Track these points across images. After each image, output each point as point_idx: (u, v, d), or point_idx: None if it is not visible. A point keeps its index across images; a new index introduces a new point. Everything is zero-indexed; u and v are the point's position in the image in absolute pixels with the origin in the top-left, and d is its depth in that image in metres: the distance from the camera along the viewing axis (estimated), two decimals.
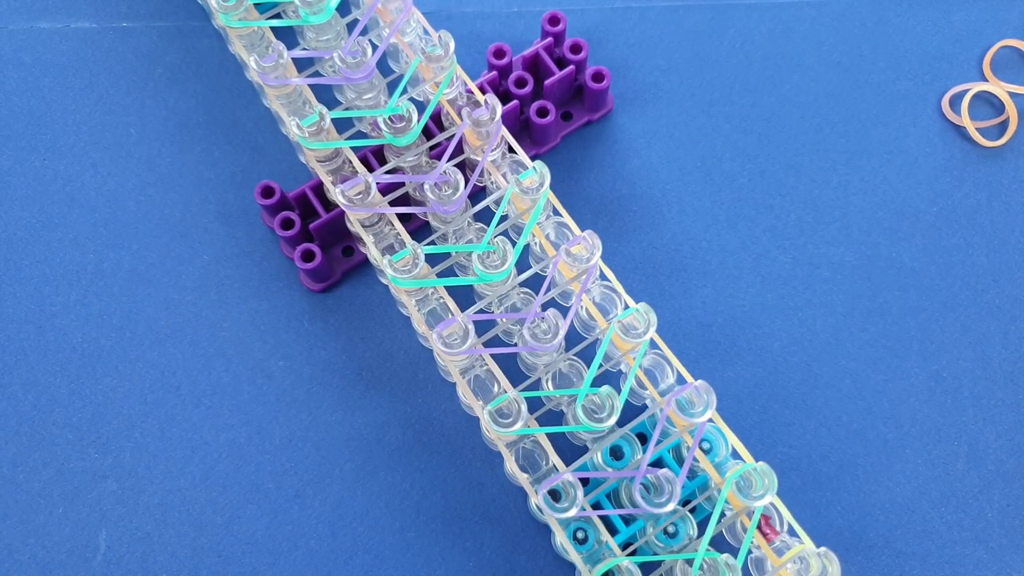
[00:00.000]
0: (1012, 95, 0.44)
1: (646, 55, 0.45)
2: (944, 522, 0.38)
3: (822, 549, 0.32)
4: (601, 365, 0.33)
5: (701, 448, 0.35)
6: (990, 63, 0.45)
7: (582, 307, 0.35)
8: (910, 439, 0.39)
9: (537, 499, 0.32)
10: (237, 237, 0.42)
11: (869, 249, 0.42)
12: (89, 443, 0.39)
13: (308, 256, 0.39)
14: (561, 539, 0.33)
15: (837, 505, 0.38)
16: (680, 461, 0.35)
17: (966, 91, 0.44)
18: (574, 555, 0.33)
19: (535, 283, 0.38)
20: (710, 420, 0.34)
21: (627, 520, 0.34)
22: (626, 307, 0.35)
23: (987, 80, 0.44)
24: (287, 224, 0.39)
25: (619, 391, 0.34)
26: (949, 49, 0.45)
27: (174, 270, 0.41)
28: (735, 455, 0.35)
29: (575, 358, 0.35)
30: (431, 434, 0.39)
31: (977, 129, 0.44)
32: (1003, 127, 0.44)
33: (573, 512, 0.32)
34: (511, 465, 0.34)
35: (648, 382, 0.35)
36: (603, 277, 0.36)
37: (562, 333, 0.33)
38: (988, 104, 0.44)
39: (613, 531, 0.34)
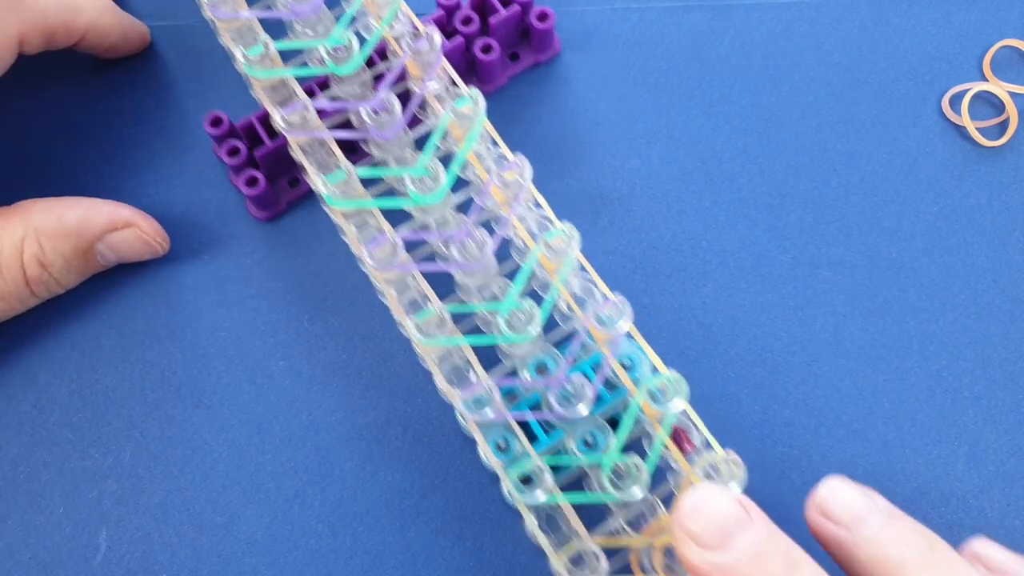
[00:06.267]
0: (1012, 95, 0.44)
1: (646, 55, 0.45)
2: (944, 522, 0.38)
3: (730, 454, 0.33)
4: (529, 283, 0.34)
5: (624, 366, 0.35)
6: (990, 63, 0.45)
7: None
8: (910, 439, 0.39)
9: (459, 405, 0.33)
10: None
11: (869, 249, 0.42)
12: (89, 443, 0.39)
13: (252, 182, 0.40)
14: (483, 448, 0.33)
15: None
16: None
17: (966, 91, 0.44)
18: (495, 461, 0.33)
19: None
20: (630, 338, 0.35)
21: (547, 430, 0.35)
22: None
23: (987, 80, 0.44)
24: (233, 152, 0.40)
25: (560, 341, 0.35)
26: (949, 49, 0.45)
27: (174, 269, 0.41)
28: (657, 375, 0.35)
29: (505, 278, 0.36)
30: (431, 434, 0.39)
31: (977, 129, 0.44)
32: (1003, 127, 0.44)
33: (492, 416, 0.33)
34: (440, 381, 0.34)
35: (572, 301, 0.35)
36: (537, 206, 0.37)
37: (489, 248, 0.34)
38: (988, 104, 0.44)
39: (535, 442, 0.34)
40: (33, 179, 0.43)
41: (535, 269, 0.35)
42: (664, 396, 0.33)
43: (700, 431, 0.34)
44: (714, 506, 0.28)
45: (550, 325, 0.36)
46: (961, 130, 0.44)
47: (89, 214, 0.38)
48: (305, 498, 0.38)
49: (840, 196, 0.43)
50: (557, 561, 0.32)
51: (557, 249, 0.35)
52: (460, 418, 0.35)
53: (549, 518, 0.33)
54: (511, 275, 0.35)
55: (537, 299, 0.34)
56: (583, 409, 0.32)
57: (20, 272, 0.37)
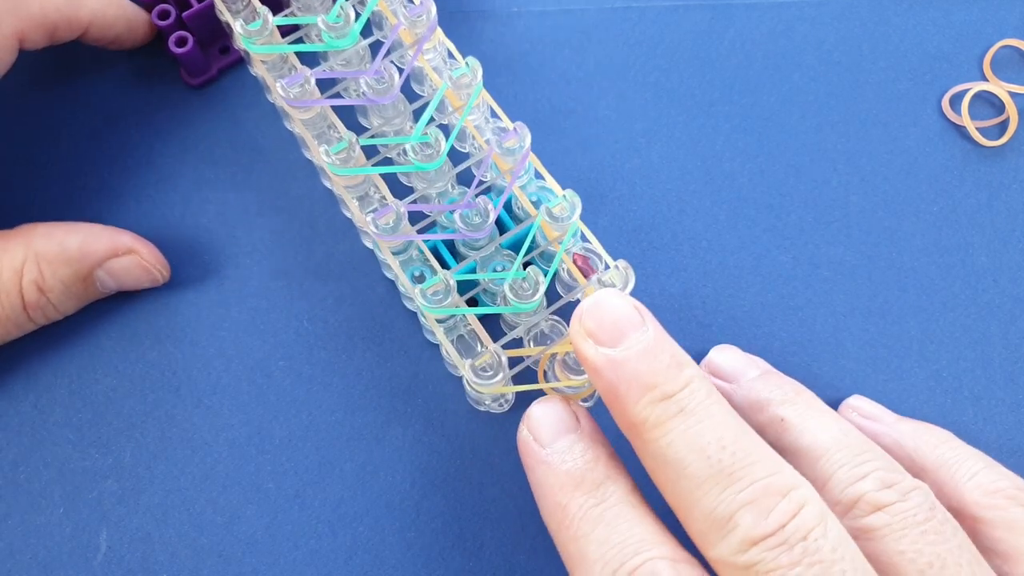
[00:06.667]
0: (1012, 95, 0.44)
1: (646, 55, 0.45)
2: None
3: (621, 263, 0.34)
4: (432, 119, 0.37)
5: (533, 204, 0.37)
6: (990, 63, 0.45)
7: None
8: None
9: (368, 226, 0.34)
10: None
11: (869, 249, 0.42)
12: (89, 443, 0.39)
13: (181, 42, 0.42)
14: (401, 278, 0.36)
15: None
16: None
17: (966, 91, 0.44)
18: (411, 287, 0.35)
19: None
20: (539, 177, 0.37)
21: (457, 257, 0.37)
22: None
23: (987, 80, 0.44)
24: (164, 15, 0.42)
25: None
26: (949, 49, 0.45)
27: (174, 270, 0.41)
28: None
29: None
30: (431, 434, 0.39)
31: (977, 129, 0.44)
32: (1003, 127, 0.44)
33: (402, 236, 0.35)
34: (355, 210, 0.36)
35: (475, 131, 0.37)
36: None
37: (396, 82, 0.36)
38: (988, 104, 0.44)
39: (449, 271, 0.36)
40: (34, 179, 0.43)
41: (446, 113, 0.38)
42: (562, 216, 0.35)
43: (602, 258, 0.36)
44: (611, 307, 0.30)
45: (466, 175, 0.39)
46: (961, 130, 0.44)
47: (90, 240, 0.38)
48: (305, 498, 0.38)
49: (840, 196, 0.43)
50: (466, 370, 0.34)
51: (462, 85, 0.36)
52: (377, 252, 0.38)
53: (461, 339, 0.36)
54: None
55: (456, 157, 0.37)
56: (485, 226, 0.34)
57: (18, 297, 0.37)
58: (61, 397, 0.40)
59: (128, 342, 0.40)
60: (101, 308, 0.41)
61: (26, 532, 0.38)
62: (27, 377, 0.40)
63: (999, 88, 0.44)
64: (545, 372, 0.35)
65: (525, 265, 0.36)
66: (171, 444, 0.39)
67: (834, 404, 0.39)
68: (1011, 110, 0.44)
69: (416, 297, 0.34)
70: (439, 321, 0.35)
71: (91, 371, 0.40)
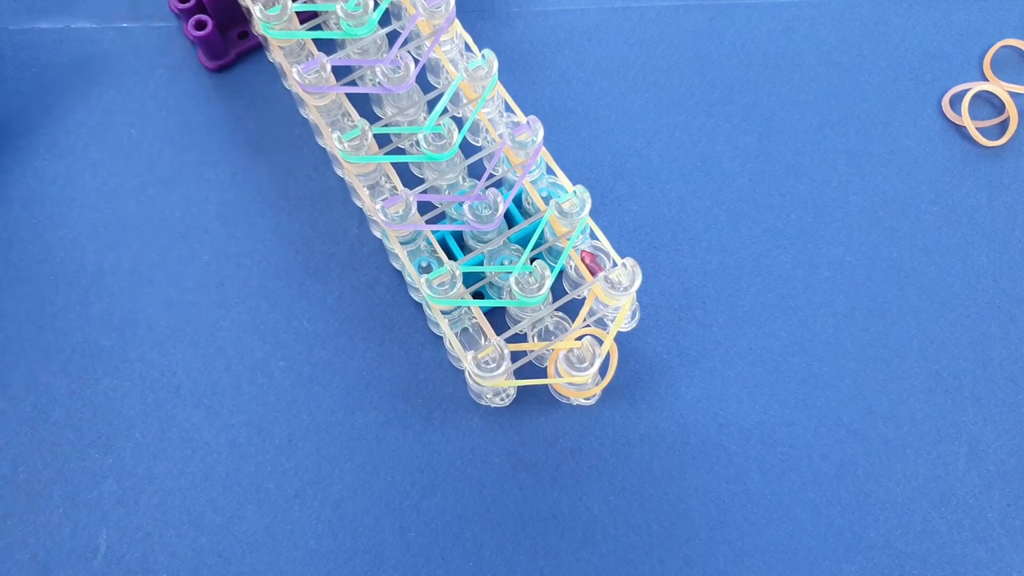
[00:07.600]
0: (1012, 95, 0.44)
1: (646, 55, 0.45)
2: (944, 522, 0.38)
3: (629, 260, 0.35)
4: (447, 110, 0.37)
5: (543, 199, 0.38)
6: (990, 63, 0.45)
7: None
8: (910, 439, 0.39)
9: (377, 214, 0.34)
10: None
11: (869, 249, 0.42)
12: (89, 443, 0.39)
13: (201, 25, 0.43)
14: (408, 267, 0.36)
15: (837, 505, 0.38)
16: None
17: (966, 91, 0.44)
18: (417, 276, 0.35)
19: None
20: (551, 172, 0.38)
21: (464, 250, 0.38)
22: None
23: (987, 80, 0.44)
24: None
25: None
26: (949, 49, 0.45)
27: (174, 270, 0.41)
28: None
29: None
30: (431, 434, 0.39)
31: (977, 129, 0.44)
32: (1003, 127, 0.44)
33: (411, 224, 0.35)
34: (364, 198, 0.36)
35: (489, 124, 0.38)
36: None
37: (411, 71, 0.36)
38: (988, 104, 0.44)
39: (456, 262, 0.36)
40: (34, 176, 0.43)
41: (458, 104, 0.38)
42: (572, 212, 0.35)
43: (610, 255, 0.36)
44: None
45: (477, 169, 0.38)
46: (961, 130, 0.44)
47: None
48: (305, 498, 0.38)
49: (840, 196, 0.43)
50: (468, 362, 0.34)
51: (478, 77, 0.37)
52: (385, 242, 0.38)
53: (465, 332, 0.37)
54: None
55: (469, 151, 0.37)
56: (494, 219, 0.35)
57: None
58: (61, 397, 0.40)
59: (128, 342, 0.40)
60: (100, 308, 0.41)
61: (26, 532, 0.38)
62: (27, 378, 0.40)
63: (999, 88, 0.44)
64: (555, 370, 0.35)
65: (532, 260, 0.36)
66: (171, 444, 0.39)
67: (834, 402, 0.39)
68: (1011, 110, 0.44)
69: (422, 287, 0.34)
70: (444, 313, 0.35)
71: (91, 371, 0.40)
